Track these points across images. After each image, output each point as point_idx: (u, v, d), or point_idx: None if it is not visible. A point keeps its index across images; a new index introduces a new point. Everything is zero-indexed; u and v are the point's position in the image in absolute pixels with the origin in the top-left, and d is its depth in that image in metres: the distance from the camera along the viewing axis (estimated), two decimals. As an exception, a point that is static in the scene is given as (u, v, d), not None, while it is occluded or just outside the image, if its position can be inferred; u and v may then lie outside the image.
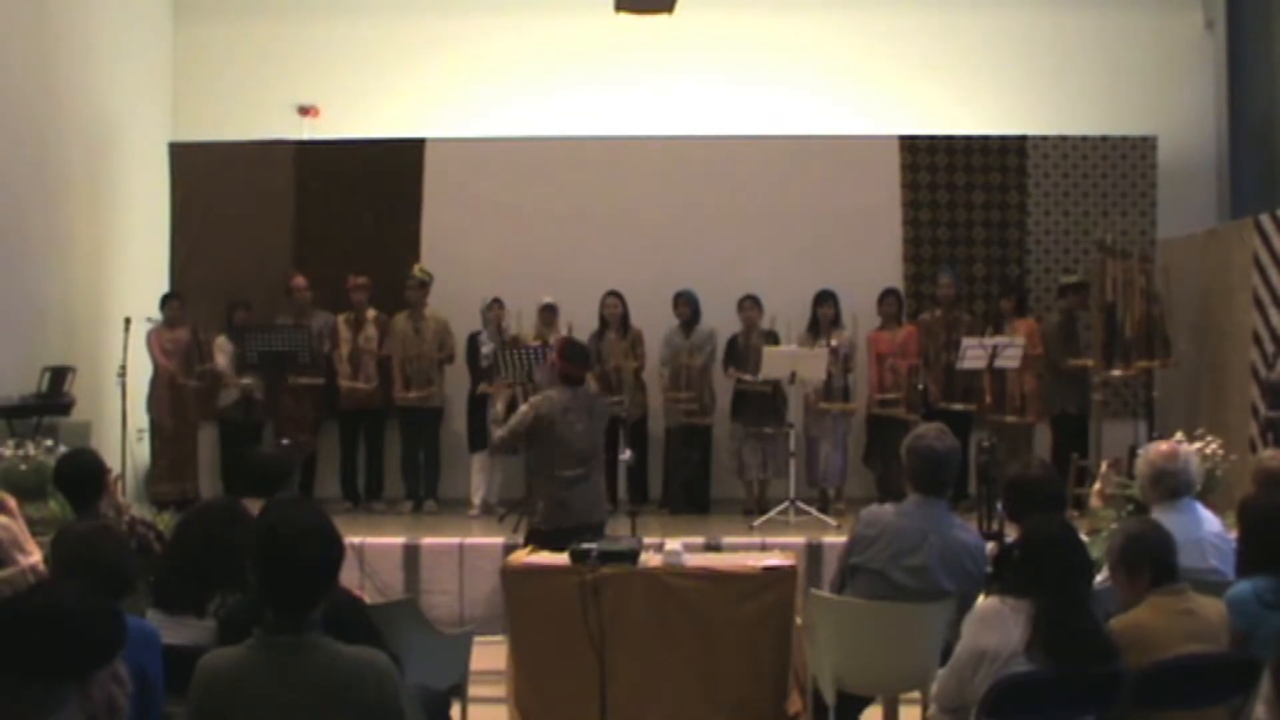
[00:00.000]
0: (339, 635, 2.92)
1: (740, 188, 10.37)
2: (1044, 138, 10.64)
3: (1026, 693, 3.60)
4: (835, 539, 7.59)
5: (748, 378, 9.33)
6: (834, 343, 9.25)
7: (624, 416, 8.85)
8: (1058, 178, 10.58)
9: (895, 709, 5.06)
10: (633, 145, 10.58)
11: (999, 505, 6.64)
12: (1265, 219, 8.97)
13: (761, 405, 9.39)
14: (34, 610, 2.50)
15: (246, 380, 9.65)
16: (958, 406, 9.26)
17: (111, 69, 10.56)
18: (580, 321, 9.48)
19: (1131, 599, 3.81)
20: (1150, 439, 6.97)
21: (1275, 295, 8.81)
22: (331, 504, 9.30)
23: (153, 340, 9.53)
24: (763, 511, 9.04)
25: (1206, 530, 4.70)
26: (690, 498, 9.56)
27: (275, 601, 2.89)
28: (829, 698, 4.79)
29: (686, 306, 9.61)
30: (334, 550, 2.98)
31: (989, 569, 4.55)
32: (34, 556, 4.77)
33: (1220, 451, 6.66)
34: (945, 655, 4.06)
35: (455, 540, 8.02)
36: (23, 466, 6.90)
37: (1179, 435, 5.93)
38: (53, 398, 8.67)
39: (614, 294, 9.64)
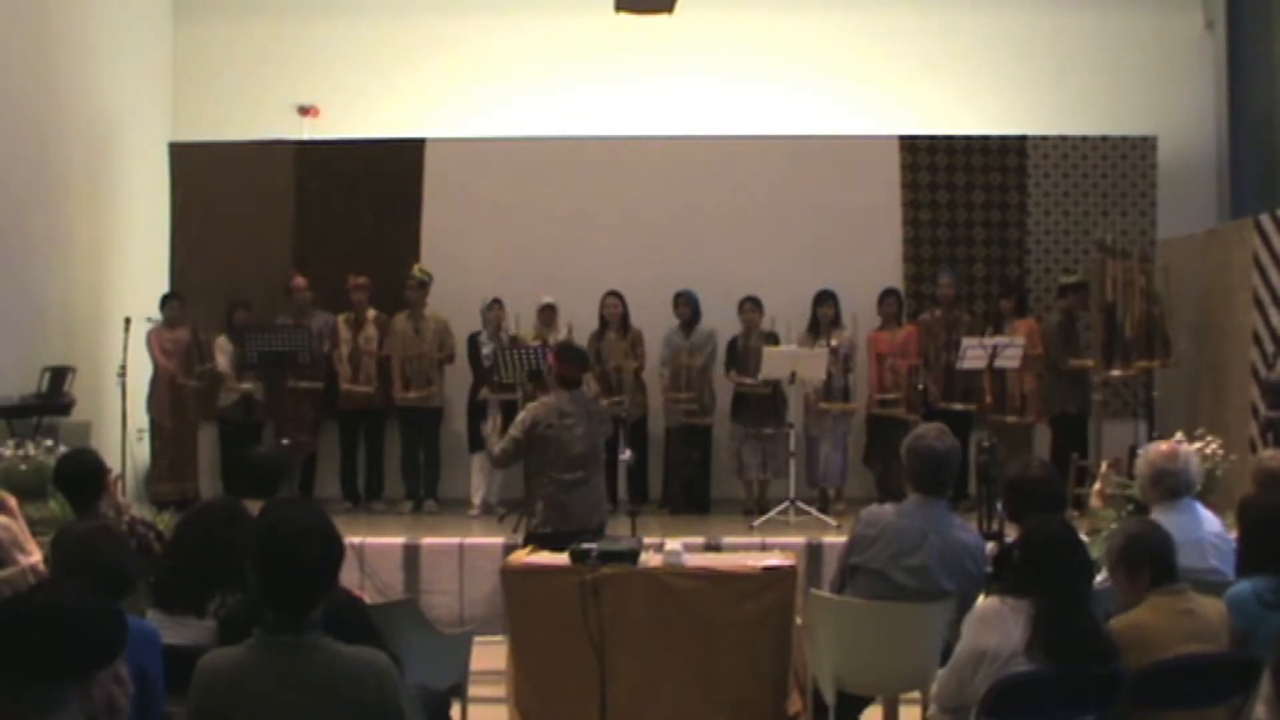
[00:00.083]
0: (339, 635, 2.92)
1: (740, 188, 10.37)
2: (1044, 138, 10.63)
3: (1026, 693, 3.60)
4: (835, 539, 7.59)
5: (749, 381, 9.33)
6: (834, 343, 9.25)
7: (624, 416, 8.86)
8: (1058, 178, 10.58)
9: (895, 709, 5.06)
10: (633, 145, 10.57)
11: (999, 505, 6.64)
12: (1265, 219, 8.96)
13: (761, 405, 9.39)
14: (34, 610, 2.50)
15: (247, 385, 9.67)
16: (958, 406, 9.26)
17: (111, 69, 10.56)
18: (580, 321, 9.49)
19: (1131, 599, 3.81)
20: (1150, 439, 6.97)
21: (1275, 295, 8.81)
22: (331, 504, 9.29)
23: (153, 340, 9.53)
24: (763, 511, 9.04)
25: (1206, 530, 4.70)
26: (690, 498, 9.56)
27: (275, 601, 2.89)
28: (829, 698, 4.79)
29: (686, 306, 9.61)
30: (334, 550, 2.98)
31: (989, 569, 4.55)
32: (34, 556, 4.78)
33: (1220, 451, 6.66)
34: (945, 655, 4.05)
35: (455, 540, 8.02)
36: (23, 466, 6.91)
37: (1179, 435, 5.93)
38: (53, 398, 8.67)
39: (614, 294, 9.63)
